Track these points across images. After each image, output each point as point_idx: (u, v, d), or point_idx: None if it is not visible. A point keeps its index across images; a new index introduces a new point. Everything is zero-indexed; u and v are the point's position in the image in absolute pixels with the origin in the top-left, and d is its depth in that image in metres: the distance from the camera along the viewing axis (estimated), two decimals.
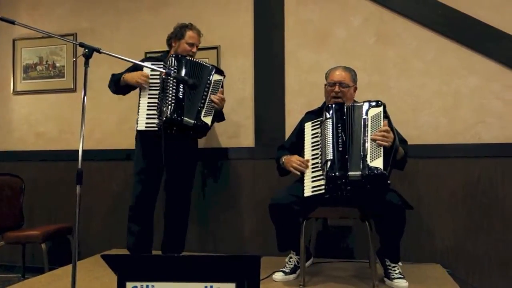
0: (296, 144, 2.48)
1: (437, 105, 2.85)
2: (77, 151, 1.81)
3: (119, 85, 2.65)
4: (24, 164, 3.46)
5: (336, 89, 2.41)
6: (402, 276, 2.25)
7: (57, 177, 3.41)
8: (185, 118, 2.45)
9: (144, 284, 1.32)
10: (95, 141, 3.36)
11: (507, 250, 2.68)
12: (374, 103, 2.23)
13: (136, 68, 2.61)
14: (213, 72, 2.61)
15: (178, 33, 2.68)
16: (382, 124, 2.16)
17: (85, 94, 1.91)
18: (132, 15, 3.39)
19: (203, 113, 2.52)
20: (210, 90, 2.57)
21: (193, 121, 2.48)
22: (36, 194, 3.42)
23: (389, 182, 2.12)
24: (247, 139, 3.14)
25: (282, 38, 3.10)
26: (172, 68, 2.48)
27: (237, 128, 3.13)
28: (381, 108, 2.21)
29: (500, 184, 2.72)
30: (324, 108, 2.32)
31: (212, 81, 2.59)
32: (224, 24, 3.21)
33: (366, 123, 2.19)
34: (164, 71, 2.40)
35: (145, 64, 2.45)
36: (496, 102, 2.77)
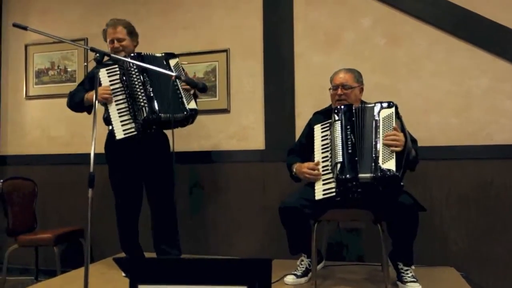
0: (305, 146, 2.47)
1: (448, 106, 2.82)
2: (89, 154, 1.82)
3: (82, 106, 2.55)
4: (37, 168, 3.50)
5: (339, 91, 2.40)
6: (415, 280, 2.22)
7: (70, 180, 3.44)
8: (162, 115, 2.38)
9: (156, 287, 1.32)
10: None
11: None
12: (385, 104, 2.22)
13: (91, 78, 2.48)
14: (168, 60, 2.55)
15: (103, 37, 2.68)
16: (393, 125, 2.14)
17: (96, 98, 1.93)
18: (142, 19, 3.41)
19: (185, 102, 2.47)
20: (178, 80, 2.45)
21: (168, 115, 2.39)
22: (48, 197, 3.46)
23: (402, 184, 2.10)
24: (257, 142, 3.13)
25: (292, 41, 3.09)
26: (132, 68, 2.42)
27: (247, 131, 3.13)
28: (392, 109, 2.19)
29: None
30: (333, 109, 2.31)
31: (173, 69, 2.52)
32: (233, 27, 3.22)
33: (378, 124, 2.18)
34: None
35: (119, 56, 2.32)
36: (509, 102, 2.73)
